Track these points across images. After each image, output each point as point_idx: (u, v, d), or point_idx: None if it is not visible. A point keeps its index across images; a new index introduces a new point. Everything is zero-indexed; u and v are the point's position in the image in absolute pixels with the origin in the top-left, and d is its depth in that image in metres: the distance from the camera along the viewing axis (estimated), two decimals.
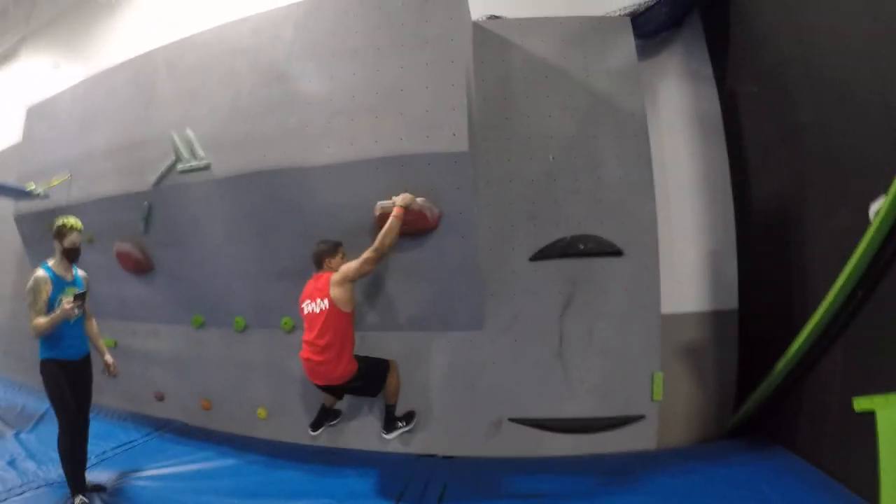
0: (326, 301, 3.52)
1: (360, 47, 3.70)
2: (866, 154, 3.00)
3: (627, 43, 4.10)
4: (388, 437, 3.99)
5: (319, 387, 3.79)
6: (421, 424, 4.06)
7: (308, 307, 3.61)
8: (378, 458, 3.99)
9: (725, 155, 4.25)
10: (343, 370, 3.59)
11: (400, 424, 4.00)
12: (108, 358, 3.76)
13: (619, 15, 4.24)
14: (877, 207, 2.92)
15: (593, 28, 4.15)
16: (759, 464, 3.65)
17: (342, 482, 3.66)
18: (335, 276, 3.54)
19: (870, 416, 3.01)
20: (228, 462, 4.07)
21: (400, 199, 3.40)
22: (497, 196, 3.91)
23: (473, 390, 3.98)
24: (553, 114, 3.96)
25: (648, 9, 4.30)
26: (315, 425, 4.15)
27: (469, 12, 3.96)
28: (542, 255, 3.83)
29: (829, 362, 3.48)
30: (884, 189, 2.78)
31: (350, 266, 3.50)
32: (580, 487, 3.45)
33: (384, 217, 3.46)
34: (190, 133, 4.12)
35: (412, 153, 3.44)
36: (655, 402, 3.85)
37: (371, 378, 3.78)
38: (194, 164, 4.06)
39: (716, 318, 4.17)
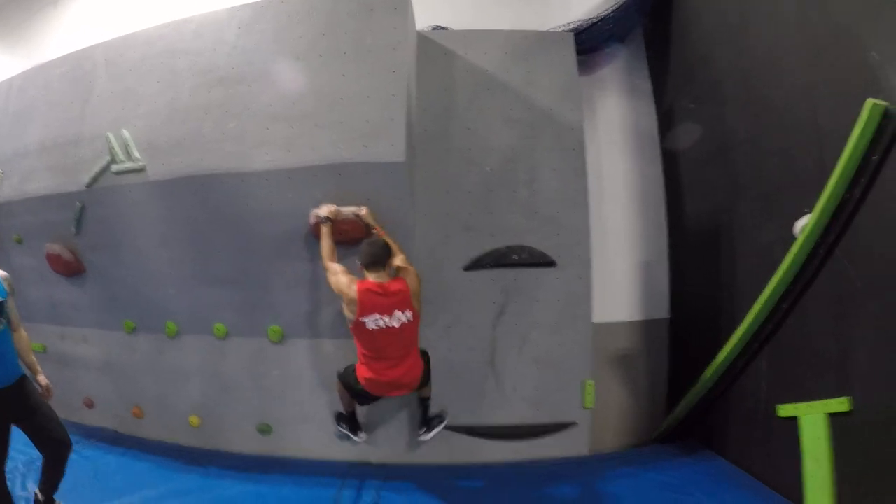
0: (411, 313, 3.27)
1: (303, 53, 3.74)
2: (795, 172, 3.23)
3: (569, 58, 4.27)
4: (426, 437, 3.81)
5: (362, 402, 3.66)
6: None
7: (378, 322, 3.20)
8: (313, 466, 4.03)
9: (661, 169, 4.47)
10: (419, 375, 3.46)
11: (436, 422, 3.82)
12: (43, 379, 3.20)
13: (563, 30, 4.40)
14: (802, 224, 3.14)
15: (536, 42, 4.31)
16: (689, 468, 3.90)
17: (276, 490, 3.71)
18: (414, 283, 3.32)
19: (793, 422, 3.26)
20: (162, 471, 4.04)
21: (325, 211, 3.46)
22: (434, 206, 4.01)
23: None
24: (493, 126, 4.09)
25: (592, 25, 4.49)
26: (355, 428, 3.93)
27: (414, 23, 4.07)
28: (477, 264, 3.96)
29: (755, 370, 3.72)
30: (809, 207, 3.01)
31: (415, 273, 3.37)
32: (514, 494, 3.60)
33: (319, 225, 3.51)
34: (126, 133, 4.08)
35: (349, 162, 3.50)
36: (587, 410, 4.01)
37: (428, 370, 3.61)
38: (129, 165, 4.02)
39: (647, 327, 4.39)
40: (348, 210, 3.48)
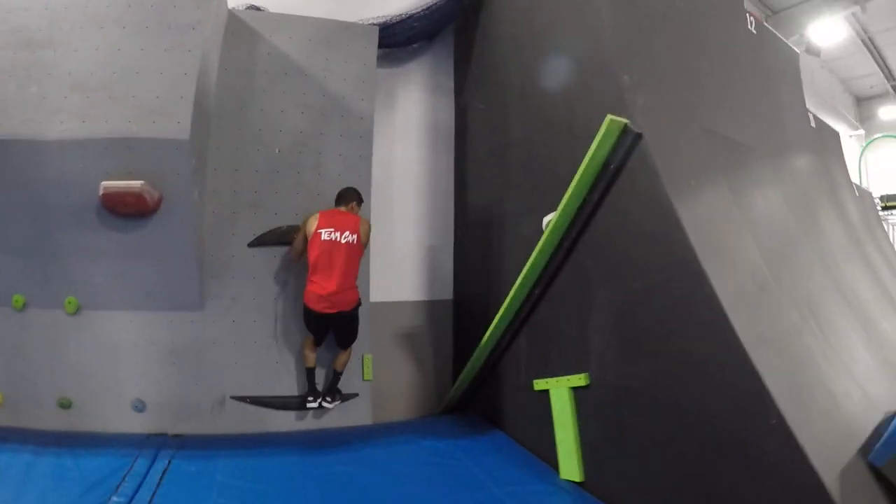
0: (355, 237, 4.09)
1: (107, 23, 3.84)
2: (554, 173, 3.75)
3: (370, 51, 4.66)
4: (327, 405, 4.34)
5: (316, 328, 4.20)
6: (151, 403, 4.30)
7: (331, 235, 4.06)
8: (114, 439, 4.10)
9: (453, 162, 4.92)
10: (353, 297, 4.16)
11: (339, 396, 4.39)
12: None
13: (369, 24, 4.75)
14: (548, 220, 3.66)
15: (340, 32, 4.65)
16: (463, 436, 4.40)
17: (76, 462, 3.71)
18: (365, 226, 4.20)
19: (547, 395, 3.82)
20: None
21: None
22: (224, 183, 4.28)
23: (198, 369, 4.29)
24: (286, 109, 4.41)
25: (401, 21, 4.87)
26: (314, 393, 4.34)
27: (224, 4, 4.30)
28: (259, 241, 4.28)
29: (518, 349, 4.28)
30: (556, 205, 3.54)
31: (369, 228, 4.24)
32: (295, 459, 3.90)
33: (109, 196, 3.68)
34: None
35: (138, 136, 3.67)
36: (367, 382, 4.47)
37: (357, 325, 4.31)
38: None
39: (433, 307, 4.88)
40: (141, 184, 3.68)
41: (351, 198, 4.28)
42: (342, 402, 4.41)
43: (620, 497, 3.30)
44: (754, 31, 5.30)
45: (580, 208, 3.55)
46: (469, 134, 4.96)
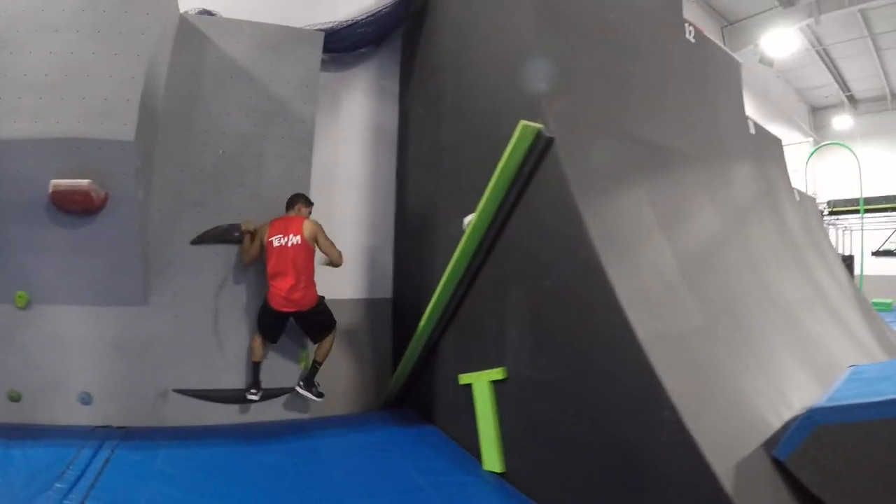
0: (299, 237, 4.32)
1: (61, 26, 3.96)
2: (478, 175, 3.93)
3: (314, 56, 4.84)
4: (301, 391, 4.57)
5: (269, 327, 4.45)
6: (97, 395, 4.42)
7: (280, 241, 4.32)
8: (62, 431, 4.21)
9: (395, 164, 5.11)
10: (312, 296, 4.41)
11: (316, 387, 4.60)
12: None
13: (315, 29, 4.92)
14: (468, 221, 3.85)
15: (286, 37, 4.81)
16: (395, 429, 4.63)
17: (22, 452, 3.81)
18: (310, 221, 4.43)
19: (470, 388, 4.01)
20: None
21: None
22: (169, 182, 4.43)
23: (142, 363, 4.42)
24: (231, 112, 4.58)
25: (346, 27, 5.05)
26: (256, 385, 4.52)
27: (177, 6, 4.45)
28: (201, 239, 4.44)
29: (446, 344, 4.47)
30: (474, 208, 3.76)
31: (323, 234, 4.43)
32: (231, 450, 4.08)
33: (58, 194, 3.83)
34: None
35: (87, 137, 3.81)
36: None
37: (326, 319, 4.55)
38: None
39: (373, 304, 5.07)
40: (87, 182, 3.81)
41: (296, 202, 4.53)
42: (277, 396, 4.62)
43: (537, 487, 3.47)
44: (693, 41, 5.52)
45: (498, 210, 3.75)
46: (409, 137, 5.17)
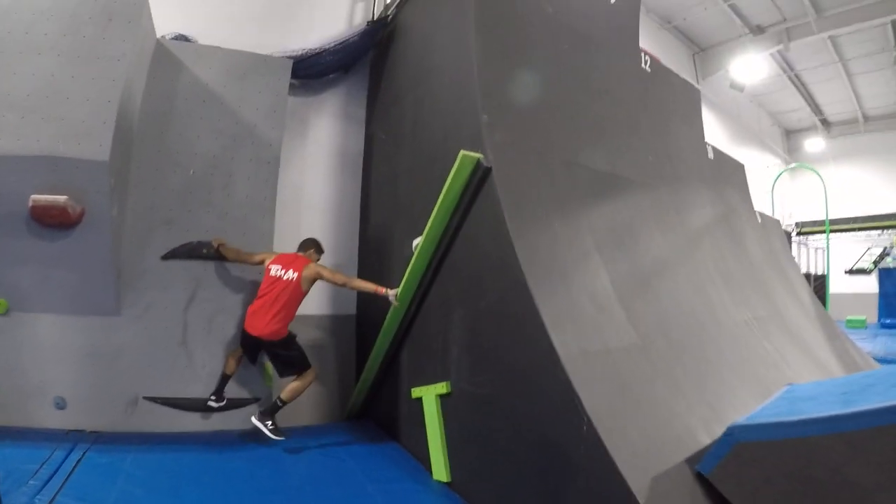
0: (297, 275, 4.50)
1: (44, 50, 4.22)
2: (429, 200, 4.13)
3: (282, 82, 5.15)
4: (255, 421, 4.54)
5: (242, 346, 4.64)
6: (71, 400, 4.61)
7: (278, 272, 4.52)
8: (37, 434, 4.37)
9: (360, 187, 5.39)
10: (278, 330, 4.47)
11: (271, 424, 4.53)
12: None
13: (284, 56, 5.21)
14: (416, 243, 4.11)
15: (257, 64, 5.13)
16: (352, 440, 4.89)
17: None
18: (314, 265, 4.61)
19: (420, 401, 4.23)
20: None
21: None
22: (141, 200, 4.70)
23: (113, 370, 4.63)
24: (202, 135, 4.87)
25: (316, 55, 5.35)
26: (218, 395, 4.73)
27: (153, 32, 4.73)
28: (172, 255, 4.70)
29: (401, 359, 4.72)
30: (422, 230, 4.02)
31: (328, 271, 4.62)
32: (196, 456, 4.28)
33: (37, 208, 4.07)
34: None
35: (65, 156, 4.05)
36: (268, 387, 4.87)
37: (293, 359, 4.62)
38: None
39: (337, 321, 5.33)
40: (64, 199, 4.05)
41: (309, 246, 4.81)
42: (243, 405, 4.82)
43: (479, 496, 3.66)
44: (649, 70, 5.83)
45: (442, 235, 4.02)
46: (373, 161, 5.47)
